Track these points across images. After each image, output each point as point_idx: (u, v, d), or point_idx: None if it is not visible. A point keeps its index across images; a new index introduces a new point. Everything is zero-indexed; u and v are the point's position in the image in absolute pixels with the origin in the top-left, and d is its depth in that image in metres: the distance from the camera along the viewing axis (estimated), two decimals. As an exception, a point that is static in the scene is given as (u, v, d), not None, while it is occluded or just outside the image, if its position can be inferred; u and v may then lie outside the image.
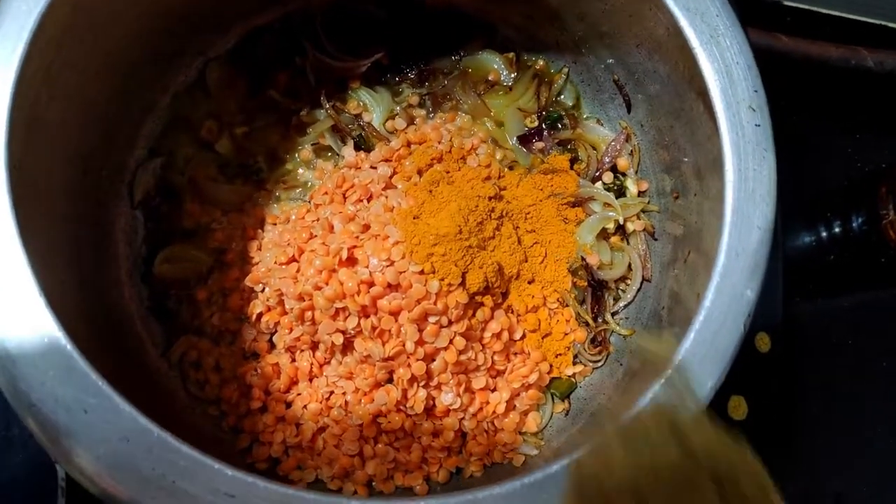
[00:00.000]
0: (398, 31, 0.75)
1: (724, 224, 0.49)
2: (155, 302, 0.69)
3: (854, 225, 1.05)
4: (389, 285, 0.61)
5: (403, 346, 0.61)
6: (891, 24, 1.08)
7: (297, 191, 0.72)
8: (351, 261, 0.62)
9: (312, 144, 0.73)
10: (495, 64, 0.75)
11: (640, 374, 0.65)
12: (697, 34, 0.51)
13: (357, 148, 0.72)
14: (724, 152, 0.50)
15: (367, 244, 0.62)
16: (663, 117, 0.66)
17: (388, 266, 0.61)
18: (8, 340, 0.44)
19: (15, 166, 0.48)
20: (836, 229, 1.06)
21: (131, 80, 0.67)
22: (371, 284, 0.60)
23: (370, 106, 0.73)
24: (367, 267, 0.61)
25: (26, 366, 0.44)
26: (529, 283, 0.68)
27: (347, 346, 0.64)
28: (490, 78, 0.75)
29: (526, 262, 0.68)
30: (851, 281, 1.04)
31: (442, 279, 0.61)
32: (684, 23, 0.51)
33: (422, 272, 0.61)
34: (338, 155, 0.73)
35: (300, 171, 0.73)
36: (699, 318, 0.48)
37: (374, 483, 0.65)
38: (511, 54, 0.76)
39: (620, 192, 0.71)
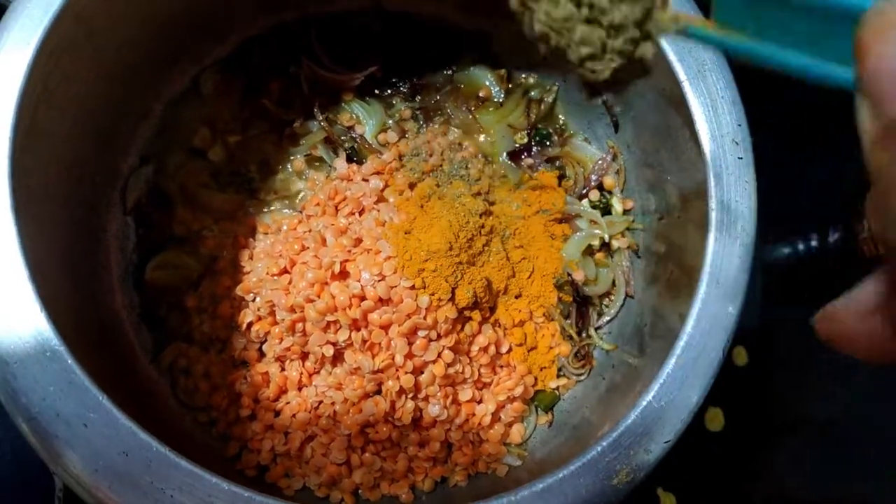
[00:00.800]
0: (392, 45, 0.76)
1: (705, 254, 0.51)
2: (146, 309, 0.70)
3: (831, 240, 1.08)
4: (381, 299, 0.62)
5: (393, 359, 0.62)
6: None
7: (289, 201, 0.73)
8: (343, 274, 0.63)
9: (305, 155, 0.74)
10: (486, 80, 0.77)
11: (621, 388, 0.67)
12: (685, 68, 0.53)
13: (349, 160, 0.73)
14: (709, 183, 0.52)
15: (360, 258, 0.63)
16: (650, 139, 0.68)
17: (379, 281, 0.62)
18: (9, 354, 0.45)
19: (16, 178, 0.49)
20: (813, 243, 1.09)
21: (126, 88, 0.67)
22: (363, 298, 0.62)
23: (363, 118, 0.74)
24: (358, 281, 0.62)
25: (27, 379, 0.44)
26: (517, 297, 0.70)
27: (337, 358, 0.65)
28: (481, 94, 0.77)
29: (513, 277, 0.69)
30: (827, 294, 1.07)
31: (432, 294, 0.62)
32: (673, 56, 0.53)
33: (413, 287, 0.62)
34: (330, 166, 0.74)
35: (292, 180, 0.74)
36: (680, 342, 0.50)
37: (360, 491, 0.66)
38: (503, 71, 0.77)
39: (606, 209, 0.73)
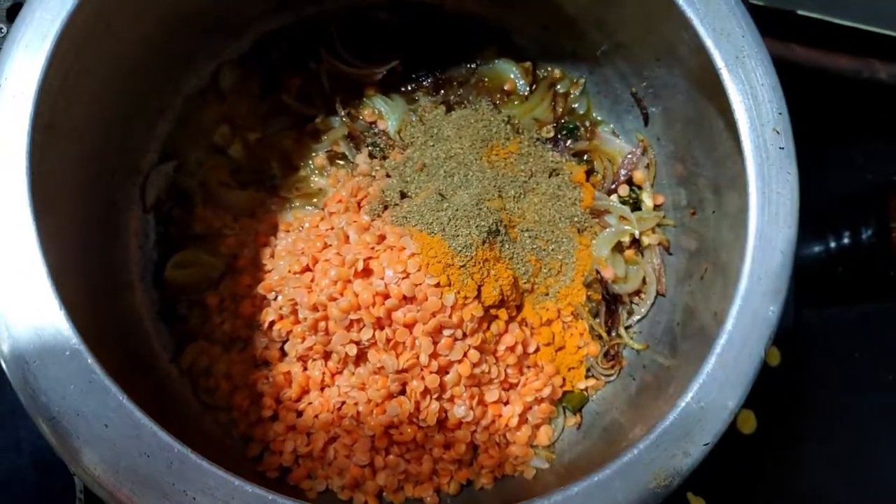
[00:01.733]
0: (413, 39, 0.75)
1: (746, 247, 0.49)
2: (166, 307, 0.69)
3: (863, 237, 1.05)
4: (405, 297, 0.60)
5: (417, 358, 0.61)
6: (903, 37, 1.07)
7: (311, 198, 0.72)
8: (366, 272, 0.62)
9: (326, 151, 0.73)
10: (511, 73, 0.75)
11: (653, 389, 0.65)
12: (723, 54, 0.50)
13: (371, 156, 0.72)
14: (748, 174, 0.49)
15: (383, 256, 0.61)
16: (681, 132, 0.66)
17: (403, 278, 0.60)
18: (28, 353, 0.44)
19: (34, 172, 0.48)
20: (846, 241, 1.06)
21: (145, 84, 0.66)
22: (386, 296, 0.60)
23: (385, 114, 0.73)
24: (382, 279, 0.61)
25: (47, 379, 0.43)
26: (544, 296, 0.68)
27: (360, 357, 0.63)
28: (506, 87, 0.75)
29: (541, 275, 0.67)
30: (859, 293, 1.04)
31: (458, 292, 0.61)
32: (710, 42, 0.51)
33: (437, 285, 0.61)
34: (352, 162, 0.72)
35: (314, 178, 0.73)
36: (720, 341, 0.48)
37: (384, 494, 0.64)
38: (528, 63, 0.75)
39: (636, 205, 0.71)
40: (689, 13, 0.51)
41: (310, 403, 0.65)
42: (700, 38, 0.51)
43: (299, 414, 0.65)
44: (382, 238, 0.64)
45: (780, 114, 0.50)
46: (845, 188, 1.06)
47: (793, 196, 0.49)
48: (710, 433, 0.47)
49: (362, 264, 0.61)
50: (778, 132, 0.49)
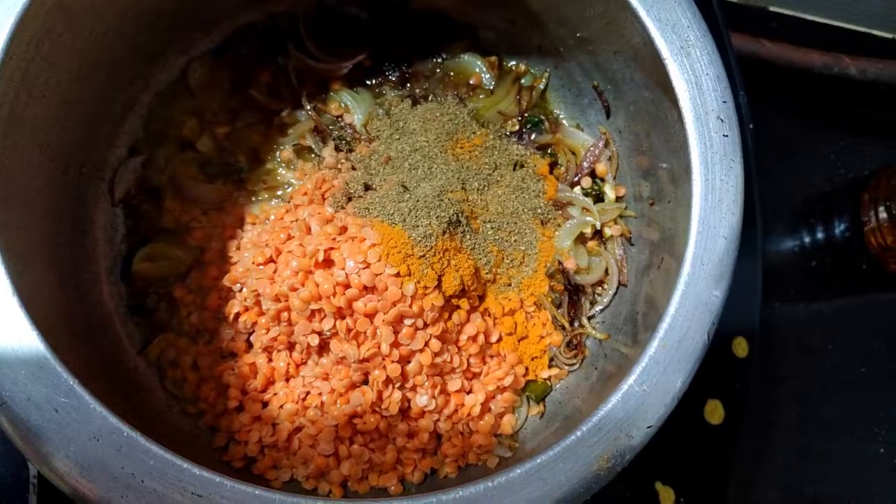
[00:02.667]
0: (381, 33, 0.75)
1: (690, 233, 0.50)
2: (134, 300, 0.69)
3: (836, 231, 1.06)
4: (365, 287, 0.61)
5: (379, 348, 0.61)
6: (874, 32, 1.09)
7: (278, 191, 0.73)
8: (327, 262, 0.62)
9: (293, 145, 0.73)
10: (477, 67, 0.76)
11: (614, 378, 0.65)
12: (668, 45, 0.51)
13: (338, 149, 0.73)
14: (692, 162, 0.50)
15: (344, 246, 0.62)
16: (641, 124, 0.67)
17: (364, 268, 0.61)
18: (-21, 339, 0.44)
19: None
20: (819, 235, 1.07)
21: (112, 79, 0.67)
22: (347, 286, 0.61)
23: (351, 107, 0.74)
24: (343, 269, 0.61)
25: (-2, 364, 0.44)
26: (507, 286, 0.68)
27: (323, 348, 0.64)
28: (472, 81, 0.76)
29: (503, 265, 0.68)
30: (832, 287, 1.05)
31: (418, 282, 0.62)
32: (656, 33, 0.52)
33: (398, 275, 0.61)
34: (318, 155, 0.73)
35: (281, 171, 0.74)
36: (663, 325, 0.49)
37: (349, 483, 0.65)
38: (493, 58, 0.76)
39: (598, 197, 0.72)
40: (636, 4, 0.52)
41: (275, 394, 0.66)
42: (647, 30, 0.52)
43: (265, 405, 0.66)
44: (344, 229, 0.65)
45: (725, 102, 0.51)
46: (818, 183, 1.07)
47: (737, 183, 0.50)
48: (653, 417, 0.48)
49: (323, 255, 0.62)
50: (722, 120, 0.50)
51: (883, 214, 0.98)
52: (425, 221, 0.62)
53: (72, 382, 0.44)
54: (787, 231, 1.07)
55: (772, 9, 1.07)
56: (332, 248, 0.62)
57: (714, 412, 0.83)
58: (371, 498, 0.64)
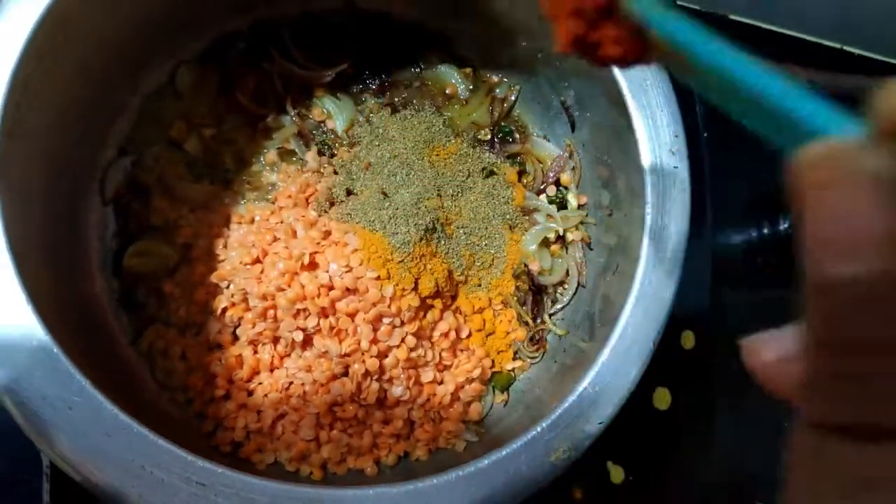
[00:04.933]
0: (364, 43, 0.79)
1: (641, 251, 0.56)
2: (125, 294, 0.73)
3: (781, 227, 1.14)
4: (348, 289, 0.66)
5: (359, 344, 0.67)
6: (824, 42, 1.16)
7: (263, 192, 0.77)
8: (312, 265, 0.67)
9: (277, 148, 0.77)
10: (453, 78, 0.80)
11: (572, 370, 0.72)
12: (628, 82, 0.57)
13: (320, 153, 0.77)
14: (646, 189, 0.56)
15: (328, 251, 0.67)
16: (603, 139, 0.72)
17: (347, 272, 0.66)
18: (-1, 344, 0.49)
19: (3, 180, 0.52)
20: (765, 231, 1.15)
21: (105, 85, 0.70)
22: (331, 288, 0.66)
23: (334, 113, 0.78)
24: (327, 272, 0.66)
25: (15, 367, 0.48)
26: (477, 286, 0.74)
27: (307, 342, 0.69)
28: (448, 91, 0.80)
29: (474, 267, 0.74)
30: (777, 281, 1.13)
31: (396, 285, 0.67)
32: (617, 71, 0.57)
33: (378, 278, 0.67)
34: (301, 159, 0.77)
35: (265, 172, 0.78)
36: (615, 335, 0.55)
37: (328, 465, 0.71)
38: (468, 69, 0.81)
39: (562, 204, 0.78)
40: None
41: (260, 384, 0.71)
42: (611, 72, 0.57)
43: (250, 393, 0.71)
44: (328, 234, 0.69)
45: (676, 136, 0.57)
46: (768, 182, 1.14)
47: (683, 209, 0.57)
48: (604, 413, 0.54)
49: (308, 258, 0.66)
50: (673, 153, 0.56)
51: (823, 214, 1.06)
52: (404, 229, 0.67)
53: (84, 383, 0.49)
54: (736, 227, 1.15)
55: (732, 17, 1.13)
56: (316, 252, 0.67)
57: (662, 398, 0.91)
58: (349, 478, 0.70)
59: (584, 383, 0.54)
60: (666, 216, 0.56)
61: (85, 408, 0.49)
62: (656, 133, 0.57)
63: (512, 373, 0.76)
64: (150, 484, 0.48)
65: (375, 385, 0.69)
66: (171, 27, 0.73)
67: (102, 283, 0.73)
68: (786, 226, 1.14)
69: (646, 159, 0.56)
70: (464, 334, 0.73)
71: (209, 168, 0.77)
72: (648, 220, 0.56)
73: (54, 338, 0.49)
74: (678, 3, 0.86)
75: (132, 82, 0.74)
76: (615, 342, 0.55)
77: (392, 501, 0.51)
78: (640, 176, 0.63)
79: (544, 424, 0.53)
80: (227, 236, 0.75)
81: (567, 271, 0.76)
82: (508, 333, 0.75)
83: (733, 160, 1.14)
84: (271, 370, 0.71)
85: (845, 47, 1.17)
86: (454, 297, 0.74)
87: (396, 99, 0.80)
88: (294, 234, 0.70)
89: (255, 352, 0.71)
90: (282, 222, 0.72)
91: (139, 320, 0.73)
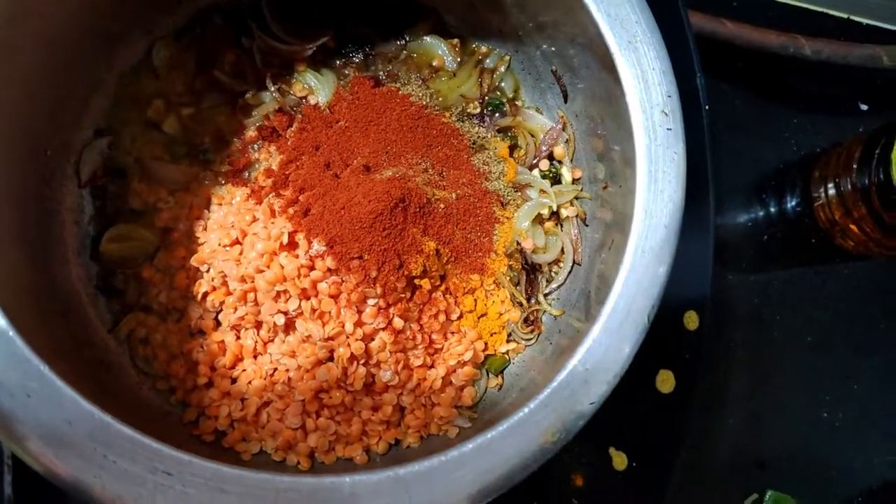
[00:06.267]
0: (346, 15, 0.76)
1: (633, 221, 0.53)
2: (103, 280, 0.71)
3: (788, 206, 1.10)
4: (329, 269, 0.63)
5: (343, 327, 0.64)
6: (830, 12, 1.11)
7: (243, 172, 0.74)
8: (292, 244, 0.64)
9: (258, 126, 0.74)
10: (440, 50, 0.77)
11: (568, 351, 0.69)
12: (617, 39, 0.53)
13: (301, 130, 0.74)
14: (637, 154, 0.53)
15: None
16: (596, 109, 0.69)
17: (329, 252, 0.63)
18: (-49, 328, 0.46)
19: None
20: (772, 210, 1.11)
21: (77, 61, 0.67)
22: (311, 268, 0.63)
23: (316, 88, 0.75)
24: (307, 252, 0.63)
25: (-30, 352, 0.46)
26: (467, 265, 0.71)
27: (290, 326, 0.67)
28: (434, 63, 0.77)
29: (464, 245, 0.71)
30: (782, 260, 1.09)
31: (381, 263, 0.64)
32: (605, 28, 0.54)
33: (360, 257, 0.64)
34: (282, 136, 0.74)
35: (246, 151, 0.75)
36: (607, 308, 0.52)
37: (316, 454, 0.68)
38: (456, 41, 0.77)
39: (556, 179, 0.74)
40: (588, 1, 0.54)
41: (243, 370, 0.69)
42: (597, 25, 0.54)
43: (233, 381, 0.69)
44: (308, 211, 0.66)
45: (670, 96, 0.53)
46: (772, 160, 1.11)
47: (678, 175, 0.53)
48: (595, 393, 0.51)
49: (287, 238, 0.64)
50: (666, 114, 0.53)
51: (832, 191, 1.02)
52: (388, 203, 0.64)
53: (42, 368, 0.46)
54: (741, 206, 1.11)
55: (733, -13, 1.09)
56: (296, 231, 0.64)
57: (665, 382, 0.88)
58: (338, 468, 0.67)
59: (574, 361, 0.51)
60: (661, 182, 0.52)
61: (44, 394, 0.46)
62: (647, 93, 0.53)
63: (506, 355, 0.72)
64: (115, 474, 0.46)
65: (362, 370, 0.66)
66: (147, 1, 0.70)
67: (79, 268, 0.70)
68: (793, 204, 1.11)
69: (637, 121, 0.53)
70: (454, 316, 0.70)
71: (188, 148, 0.74)
72: (642, 185, 0.52)
73: (11, 321, 0.47)
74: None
75: (107, 59, 0.71)
76: (606, 318, 0.52)
77: (371, 490, 0.48)
78: (632, 142, 0.59)
79: (532, 405, 0.50)
80: (206, 218, 0.72)
81: (562, 249, 0.73)
82: (501, 315, 0.72)
83: (738, 137, 1.10)
84: (255, 356, 0.69)
85: (852, 17, 1.13)
86: (443, 278, 0.70)
87: (381, 72, 0.76)
88: (273, 213, 0.67)
89: (238, 337, 0.69)
90: (260, 202, 0.69)
91: (118, 306, 0.71)
